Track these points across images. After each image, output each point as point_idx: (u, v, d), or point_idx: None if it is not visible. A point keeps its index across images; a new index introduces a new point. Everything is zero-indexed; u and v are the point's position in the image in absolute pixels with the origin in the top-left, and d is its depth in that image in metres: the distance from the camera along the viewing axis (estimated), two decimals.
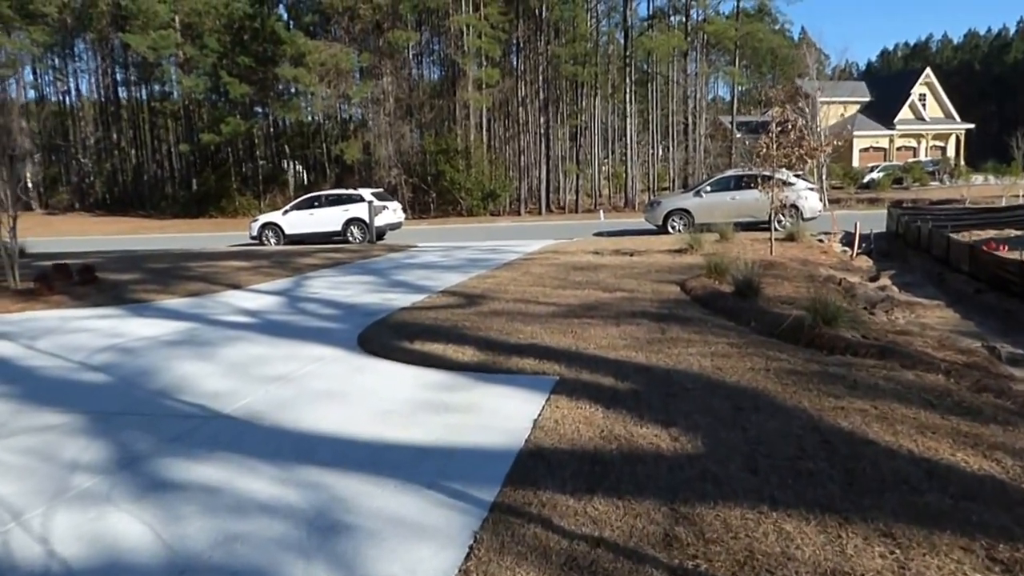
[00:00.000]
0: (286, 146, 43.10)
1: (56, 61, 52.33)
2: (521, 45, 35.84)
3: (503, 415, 3.97)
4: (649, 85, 41.45)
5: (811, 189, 15.84)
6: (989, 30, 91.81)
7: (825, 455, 3.33)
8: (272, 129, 43.36)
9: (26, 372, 5.50)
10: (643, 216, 17.83)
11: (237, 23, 36.89)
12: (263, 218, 20.08)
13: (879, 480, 3.06)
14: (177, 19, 39.09)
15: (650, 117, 39.30)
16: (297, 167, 48.40)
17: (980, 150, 49.59)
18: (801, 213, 15.64)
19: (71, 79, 53.72)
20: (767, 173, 16.59)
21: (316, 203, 19.92)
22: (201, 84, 39.22)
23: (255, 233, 19.68)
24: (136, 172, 54.13)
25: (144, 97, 52.27)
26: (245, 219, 28.67)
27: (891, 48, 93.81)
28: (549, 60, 35.27)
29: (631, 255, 11.99)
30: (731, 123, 36.13)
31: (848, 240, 14.13)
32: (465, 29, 32.33)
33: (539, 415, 3.90)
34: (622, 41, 36.82)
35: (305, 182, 45.71)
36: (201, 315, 7.79)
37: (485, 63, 33.22)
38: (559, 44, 34.94)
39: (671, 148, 39.63)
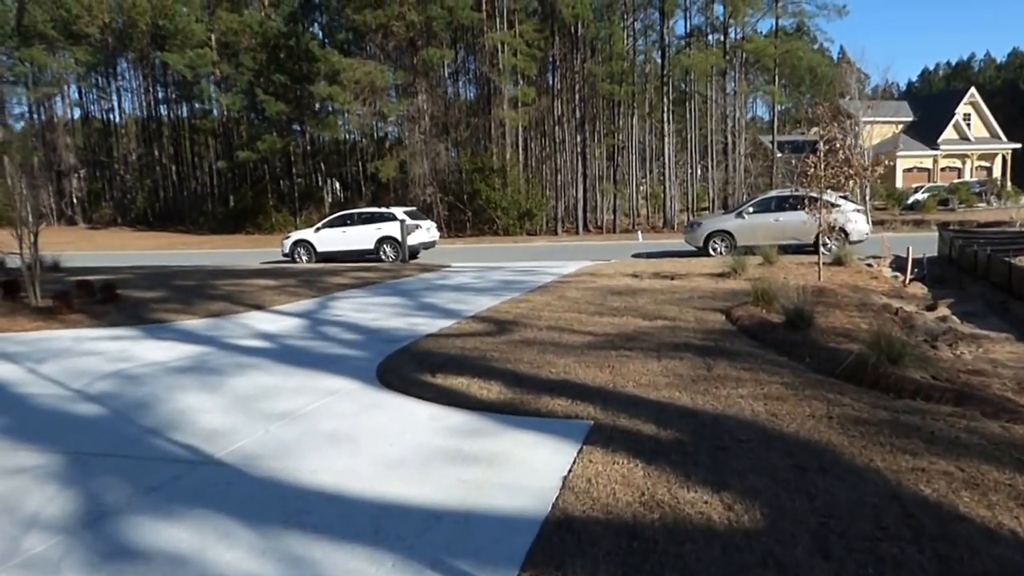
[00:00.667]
0: (322, 163, 43.56)
1: (99, 80, 53.98)
2: (557, 63, 35.61)
3: (529, 469, 3.46)
4: (687, 104, 40.80)
5: (858, 211, 15.06)
6: (1014, 49, 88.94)
7: (910, 534, 2.74)
8: (308, 146, 43.87)
9: (19, 400, 5.19)
10: (683, 237, 17.20)
11: (272, 41, 37.49)
12: (295, 235, 20.02)
13: (982, 574, 2.48)
14: (213, 38, 39.93)
15: (688, 136, 38.62)
16: (333, 184, 48.91)
17: None
18: (848, 236, 14.85)
19: (114, 97, 55.48)
20: (813, 194, 15.93)
21: (349, 221, 19.78)
22: (238, 102, 39.93)
23: (287, 250, 19.61)
24: (176, 188, 55.42)
25: (184, 114, 53.71)
26: (280, 236, 28.83)
27: (932, 67, 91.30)
28: (585, 78, 34.95)
29: (671, 279, 11.40)
30: (771, 143, 35.22)
31: (899, 265, 13.30)
32: (500, 47, 32.23)
33: (570, 471, 3.38)
34: (659, 60, 36.35)
35: (341, 199, 46.11)
36: (217, 338, 7.47)
37: (520, 81, 33.03)
38: (595, 62, 34.62)
39: (709, 168, 38.84)
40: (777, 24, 31.29)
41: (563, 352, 6.00)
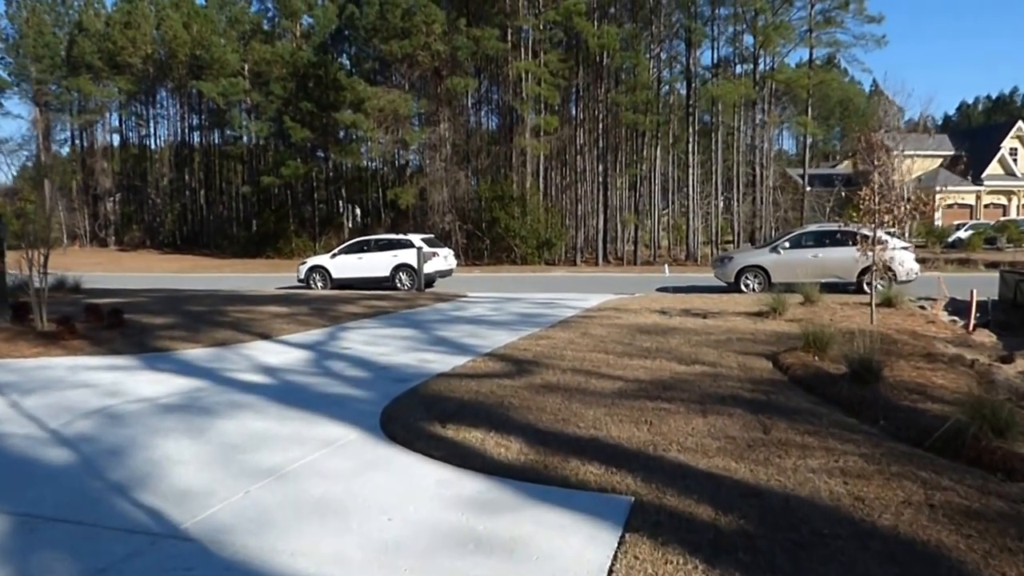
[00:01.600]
0: (343, 190, 43.56)
1: (138, 107, 55.01)
2: (580, 92, 35.36)
3: (559, 566, 2.77)
4: (712, 135, 40.29)
5: (906, 248, 14.19)
6: None
7: None
8: (331, 173, 43.96)
9: None
10: (712, 271, 16.44)
11: (302, 70, 37.77)
12: (311, 261, 19.59)
13: None
14: (246, 67, 40.40)
15: (713, 168, 38.03)
16: (353, 210, 48.93)
17: None
18: (895, 275, 13.99)
19: (150, 124, 56.37)
20: (855, 229, 15.14)
21: (365, 247, 19.33)
22: (266, 128, 40.20)
23: (302, 276, 19.18)
24: (203, 212, 55.94)
25: (216, 141, 54.46)
26: (299, 260, 28.55)
27: (970, 101, 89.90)
28: (609, 108, 34.60)
29: (704, 317, 10.66)
30: (802, 175, 34.47)
31: (956, 308, 12.40)
32: (524, 75, 32.04)
33: (611, 572, 2.68)
34: (684, 91, 35.96)
35: (361, 226, 46.01)
36: (215, 371, 6.88)
37: (543, 110, 32.75)
38: (619, 92, 34.26)
39: (733, 201, 38.09)
40: (811, 55, 30.80)
41: (591, 401, 5.31)
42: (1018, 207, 42.70)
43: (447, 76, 32.82)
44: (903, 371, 6.08)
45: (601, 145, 34.58)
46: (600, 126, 34.55)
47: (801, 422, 4.59)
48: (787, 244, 14.77)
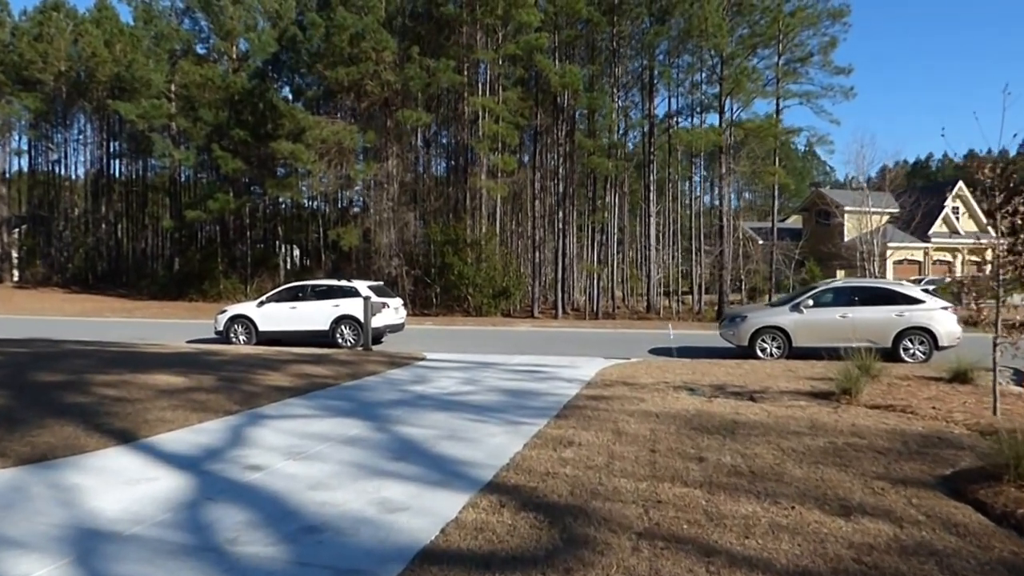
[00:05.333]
0: (279, 228, 39.86)
1: (48, 129, 50.00)
2: (540, 134, 33.30)
3: None
4: (669, 185, 39.00)
5: (945, 308, 12.07)
6: (990, 151, 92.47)
7: None
8: (267, 210, 40.29)
9: None
10: (719, 331, 13.97)
11: (236, 96, 34.43)
12: (233, 310, 16.12)
13: None
14: (173, 89, 36.77)
15: (673, 216, 36.46)
16: (291, 251, 45.15)
17: None
18: (936, 340, 11.82)
19: (65, 148, 51.27)
20: (893, 285, 13.00)
21: (300, 295, 16.07)
22: (192, 157, 36.40)
23: (221, 327, 15.69)
24: (120, 248, 50.89)
25: (139, 171, 49.95)
26: (227, 304, 24.83)
27: (891, 165, 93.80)
28: (568, 152, 32.65)
29: (752, 399, 8.01)
30: (771, 227, 33.15)
31: None
32: (481, 112, 29.75)
33: None
34: (645, 137, 34.47)
35: (298, 268, 42.25)
36: None
37: (501, 149, 30.46)
38: (582, 134, 32.40)
39: (695, 251, 36.53)
40: (779, 104, 29.67)
41: None
42: (962, 264, 42.84)
43: (397, 109, 30.16)
44: None
45: (560, 190, 32.42)
46: (561, 170, 32.45)
47: None
48: (811, 302, 12.43)
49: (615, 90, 32.08)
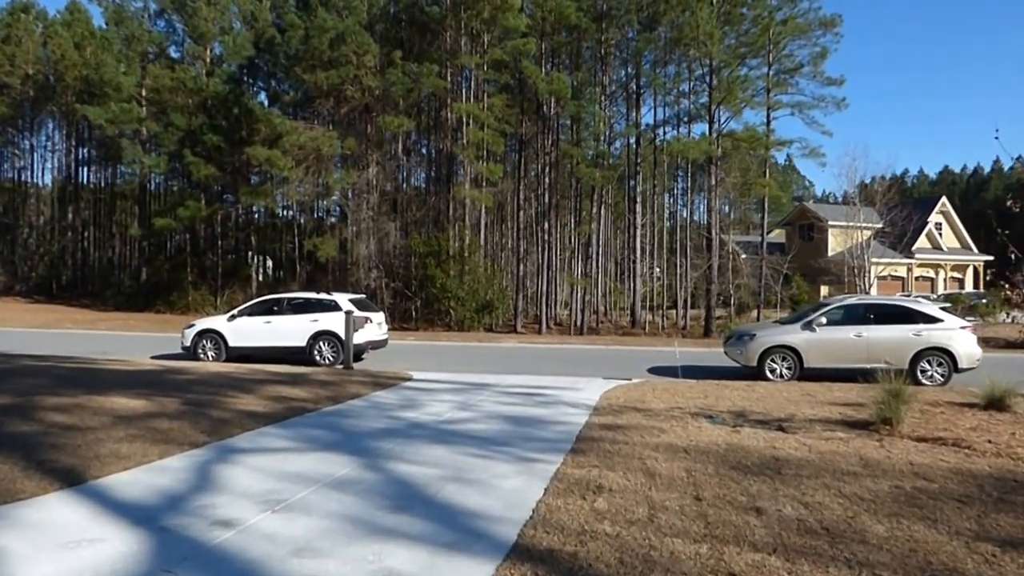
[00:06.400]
0: (252, 238, 38.50)
1: (14, 135, 48.09)
2: (525, 143, 32.58)
3: None
4: (655, 197, 38.57)
5: (965, 328, 11.51)
6: (964, 167, 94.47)
7: None
8: (240, 218, 38.94)
9: None
10: (724, 350, 13.27)
11: (210, 100, 33.18)
12: (202, 324, 15.01)
13: None
14: (144, 93, 35.40)
15: (660, 228, 35.99)
16: (264, 262, 43.73)
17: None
18: (956, 361, 11.23)
19: (32, 155, 49.32)
20: (912, 302, 12.41)
21: (276, 308, 15.03)
22: (163, 163, 34.98)
23: (188, 342, 14.58)
24: (85, 257, 49.03)
25: (107, 178, 48.24)
26: (196, 317, 23.56)
27: (868, 181, 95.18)
28: (554, 162, 32.01)
29: (782, 429, 7.26)
30: (760, 240, 32.80)
31: None
32: (466, 119, 28.97)
33: None
34: (631, 147, 33.99)
35: (271, 280, 40.90)
36: None
37: (487, 158, 29.69)
38: (569, 143, 31.79)
39: (679, 265, 36.05)
40: (769, 115, 29.34)
41: None
42: (945, 280, 43.08)
43: (378, 115, 29.25)
44: None
45: (546, 200, 31.72)
46: (547, 180, 31.76)
47: None
48: (823, 319, 11.78)
49: (603, 98, 31.57)
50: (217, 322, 14.79)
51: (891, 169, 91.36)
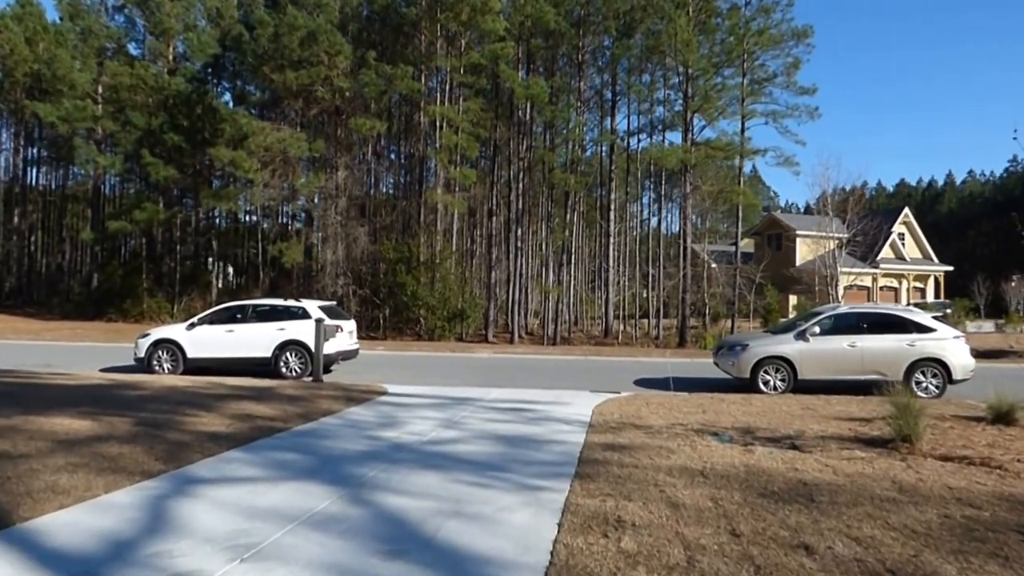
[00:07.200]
0: (213, 243, 37.03)
1: None
2: (499, 148, 32.03)
3: None
4: (627, 205, 38.41)
5: (958, 338, 11.25)
6: (920, 180, 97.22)
7: None
8: (200, 222, 37.46)
9: None
10: (713, 360, 12.82)
11: (171, 99, 31.82)
12: (157, 333, 13.96)
13: None
14: (100, 91, 33.83)
15: (633, 237, 35.75)
16: (225, 268, 42.21)
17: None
18: (950, 373, 10.96)
19: None
20: (904, 312, 12.12)
21: (239, 316, 14.09)
22: (119, 164, 33.41)
23: (142, 353, 13.52)
24: (32, 263, 46.72)
25: (58, 179, 46.14)
26: (151, 325, 22.28)
27: (830, 192, 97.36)
28: (527, 167, 31.53)
29: (795, 447, 6.76)
30: (735, 250, 32.78)
31: None
32: (440, 122, 28.30)
33: None
34: (605, 154, 33.75)
35: (232, 287, 39.45)
36: None
37: (460, 162, 29.03)
38: (544, 148, 31.36)
39: (649, 274, 35.88)
40: (743, 124, 29.33)
41: None
42: (908, 290, 43.76)
43: (349, 117, 28.37)
44: None
45: (518, 206, 31.18)
46: (519, 185, 31.24)
47: None
48: (817, 329, 11.41)
49: (578, 103, 31.24)
50: (174, 331, 13.79)
51: (861, 179, 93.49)
